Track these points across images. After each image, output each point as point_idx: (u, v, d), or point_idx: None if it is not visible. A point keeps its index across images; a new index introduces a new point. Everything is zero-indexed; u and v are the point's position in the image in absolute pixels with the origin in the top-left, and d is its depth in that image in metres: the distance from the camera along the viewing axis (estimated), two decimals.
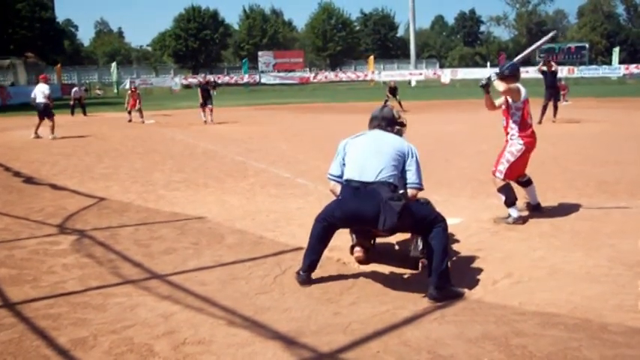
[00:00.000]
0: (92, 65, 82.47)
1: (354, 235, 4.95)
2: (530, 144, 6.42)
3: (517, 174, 6.56)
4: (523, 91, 6.37)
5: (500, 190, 6.42)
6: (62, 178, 9.92)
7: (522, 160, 6.47)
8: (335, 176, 4.60)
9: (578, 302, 4.10)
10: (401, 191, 4.40)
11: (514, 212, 6.35)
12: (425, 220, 4.33)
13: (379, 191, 4.21)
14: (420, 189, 4.55)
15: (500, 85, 6.21)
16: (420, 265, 4.91)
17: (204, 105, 21.15)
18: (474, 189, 8.23)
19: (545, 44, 6.72)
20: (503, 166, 6.40)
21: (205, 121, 20.78)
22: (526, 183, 6.71)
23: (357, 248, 4.94)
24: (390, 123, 4.69)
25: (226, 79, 65.28)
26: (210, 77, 31.54)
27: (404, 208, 4.14)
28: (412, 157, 4.46)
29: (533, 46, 6.68)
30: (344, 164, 4.54)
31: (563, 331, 3.64)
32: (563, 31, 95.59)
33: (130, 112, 22.83)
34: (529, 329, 3.66)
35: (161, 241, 5.94)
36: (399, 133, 4.85)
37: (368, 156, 4.38)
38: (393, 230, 4.40)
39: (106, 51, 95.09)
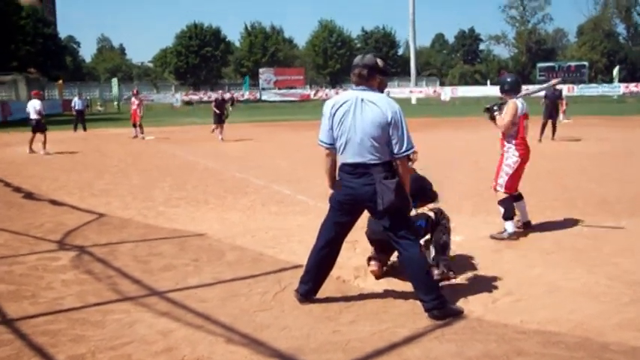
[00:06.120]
0: (93, 81, 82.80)
1: (373, 248, 5.07)
2: (524, 156, 6.55)
3: (516, 185, 6.66)
4: (520, 105, 6.48)
5: (502, 202, 6.53)
6: (62, 194, 9.92)
7: (519, 172, 6.60)
8: (326, 143, 4.42)
9: (579, 321, 4.09)
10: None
11: (510, 227, 6.45)
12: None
13: (372, 173, 4.21)
14: (410, 153, 4.33)
15: (500, 121, 6.43)
16: (434, 272, 4.94)
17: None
18: (474, 206, 8.23)
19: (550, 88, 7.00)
20: (502, 180, 6.56)
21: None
22: (517, 198, 6.78)
23: (372, 262, 5.05)
24: (372, 72, 4.30)
25: (227, 95, 65.37)
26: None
27: (399, 185, 4.18)
28: (395, 123, 4.20)
29: (537, 88, 6.80)
30: (331, 129, 4.34)
31: (564, 350, 3.62)
32: (563, 50, 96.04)
33: (134, 126, 22.29)
34: (530, 348, 3.64)
35: (161, 257, 5.93)
36: (382, 85, 4.52)
37: (355, 137, 4.22)
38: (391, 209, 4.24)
39: (108, 67, 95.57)
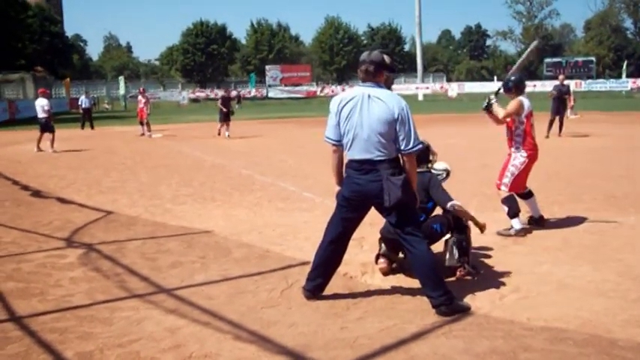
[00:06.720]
0: (100, 80, 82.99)
1: (382, 245, 5.07)
2: (532, 156, 6.51)
3: (521, 186, 6.63)
4: (526, 103, 6.43)
5: (504, 201, 6.50)
6: (70, 192, 9.96)
7: (525, 172, 6.56)
8: (333, 140, 4.41)
9: (587, 317, 4.08)
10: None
11: (516, 224, 6.42)
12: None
13: (379, 169, 4.20)
14: (415, 151, 4.28)
15: (500, 112, 6.40)
16: (458, 273, 4.95)
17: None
18: (480, 203, 8.19)
19: (534, 54, 6.90)
20: (507, 179, 6.51)
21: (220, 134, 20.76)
22: (527, 195, 6.76)
23: (381, 260, 5.04)
24: (379, 68, 4.26)
25: (233, 93, 65.60)
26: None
27: (405, 181, 4.18)
28: (402, 119, 4.18)
29: (522, 57, 6.77)
30: (338, 126, 4.34)
31: (572, 346, 3.61)
32: (570, 45, 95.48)
33: (141, 124, 22.48)
34: (537, 344, 3.64)
35: (168, 254, 5.95)
36: (389, 81, 4.51)
37: (362, 133, 4.21)
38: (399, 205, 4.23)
39: (115, 65, 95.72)
